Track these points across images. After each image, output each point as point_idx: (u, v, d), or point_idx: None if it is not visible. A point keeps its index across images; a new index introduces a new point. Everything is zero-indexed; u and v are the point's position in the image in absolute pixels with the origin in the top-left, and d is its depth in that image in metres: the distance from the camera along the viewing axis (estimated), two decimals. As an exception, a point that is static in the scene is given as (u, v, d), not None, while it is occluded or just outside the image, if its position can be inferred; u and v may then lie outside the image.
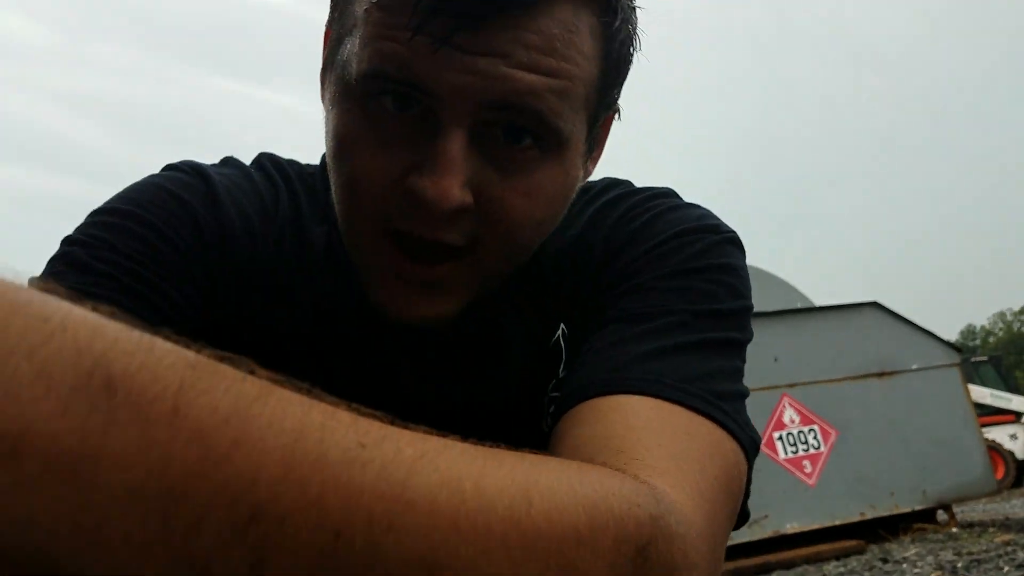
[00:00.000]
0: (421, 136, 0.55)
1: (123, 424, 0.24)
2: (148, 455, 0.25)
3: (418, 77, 0.53)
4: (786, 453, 4.49)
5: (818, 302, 5.33)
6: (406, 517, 0.30)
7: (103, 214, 0.63)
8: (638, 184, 0.77)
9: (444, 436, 0.35)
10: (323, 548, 0.27)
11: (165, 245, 0.62)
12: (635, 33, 0.62)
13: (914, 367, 5.04)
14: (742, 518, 0.65)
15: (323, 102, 0.63)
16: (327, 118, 0.61)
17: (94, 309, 0.27)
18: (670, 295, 0.62)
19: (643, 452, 0.48)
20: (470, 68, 0.53)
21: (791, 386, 4.62)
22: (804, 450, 4.55)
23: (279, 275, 0.68)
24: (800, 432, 4.57)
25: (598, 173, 0.72)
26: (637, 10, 0.62)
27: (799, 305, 5.14)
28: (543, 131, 0.56)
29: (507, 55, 0.53)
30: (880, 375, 4.90)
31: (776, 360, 4.59)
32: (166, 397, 0.26)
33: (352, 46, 0.56)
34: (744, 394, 0.61)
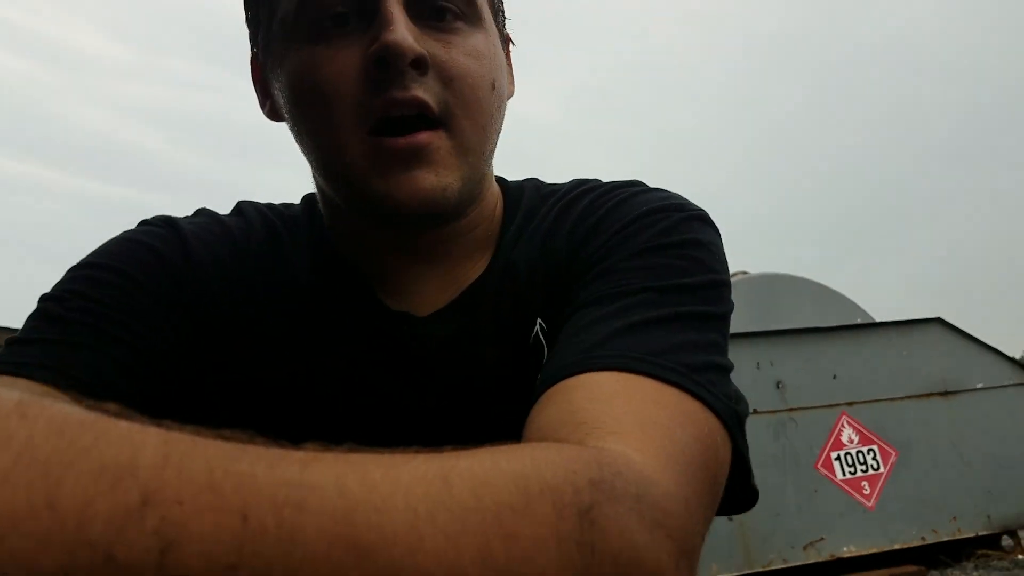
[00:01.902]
0: (366, 30, 0.62)
1: None
2: (10, 444, 0.26)
3: None
4: (844, 474, 4.37)
5: (879, 318, 5.19)
6: (314, 499, 0.30)
7: (77, 269, 0.66)
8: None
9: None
10: (235, 531, 0.27)
11: (139, 292, 0.66)
12: None
13: (979, 386, 4.86)
14: (750, 498, 0.66)
15: (270, 91, 0.71)
16: (279, 85, 0.67)
17: None
18: (637, 273, 0.63)
19: (605, 420, 0.48)
20: None
21: (850, 404, 4.50)
22: (863, 471, 4.43)
23: (261, 308, 0.71)
24: (859, 452, 4.45)
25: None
26: None
27: (859, 321, 5.02)
28: (460, 4, 0.65)
29: None
30: (944, 394, 4.74)
31: (835, 378, 4.48)
32: (7, 406, 0.27)
33: (284, 3, 0.64)
34: (724, 367, 0.60)
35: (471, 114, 0.64)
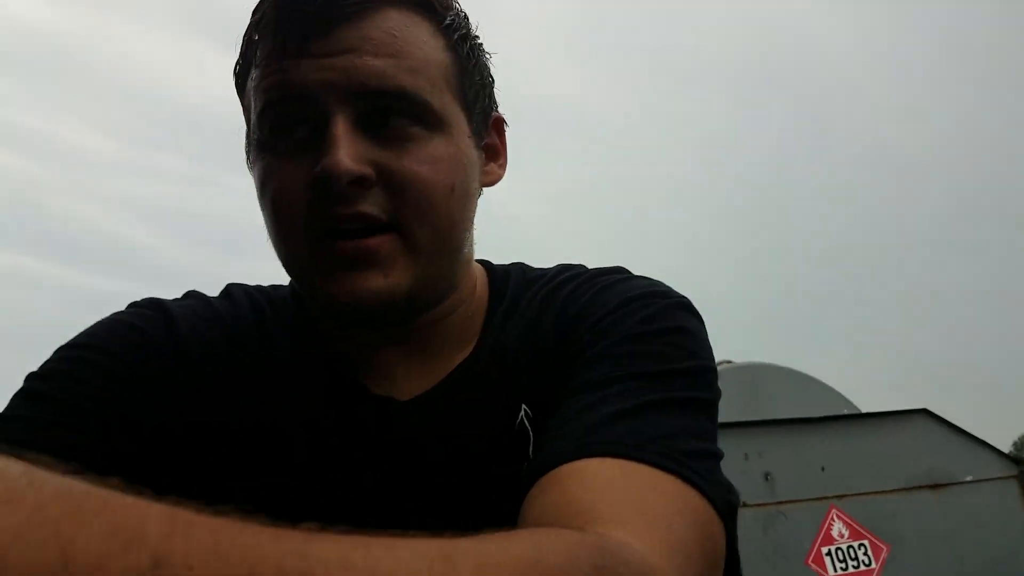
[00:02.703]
0: (318, 144, 0.63)
1: None
2: (16, 506, 0.25)
3: (293, 88, 0.63)
4: (835, 570, 4.26)
5: (864, 408, 5.17)
6: (320, 572, 0.29)
7: (64, 349, 0.67)
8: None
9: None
10: None
11: (124, 372, 0.66)
12: (475, 35, 0.73)
13: (968, 479, 4.82)
14: None
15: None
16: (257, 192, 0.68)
17: None
18: (624, 360, 0.63)
19: (603, 509, 0.48)
20: (329, 67, 0.63)
21: (839, 497, 4.42)
22: (855, 567, 4.31)
23: (245, 389, 0.71)
24: (850, 547, 4.35)
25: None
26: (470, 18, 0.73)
27: (845, 411, 5.00)
28: (415, 107, 0.65)
29: (355, 49, 0.63)
30: (933, 487, 4.70)
31: (823, 469, 4.42)
32: (19, 478, 0.27)
33: (251, 109, 0.67)
34: (715, 454, 0.60)
35: (424, 218, 0.65)
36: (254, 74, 0.66)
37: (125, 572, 0.25)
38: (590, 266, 0.80)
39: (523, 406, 0.71)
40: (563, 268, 0.79)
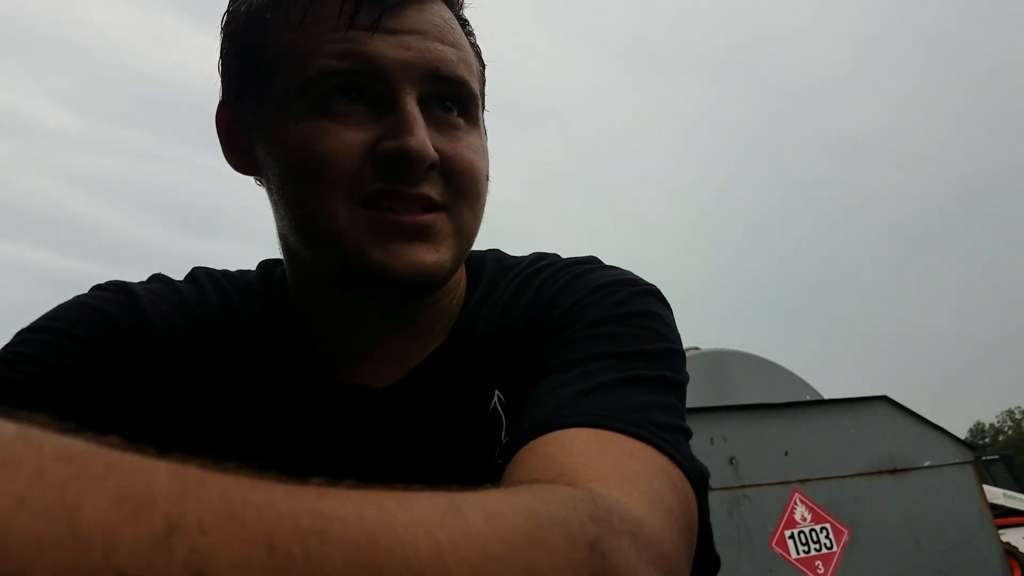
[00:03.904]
0: (377, 116, 0.64)
1: None
2: (17, 469, 0.23)
3: (366, 61, 0.63)
4: (798, 552, 4.32)
5: (827, 396, 5.25)
6: (336, 528, 0.29)
7: (27, 332, 0.66)
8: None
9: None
10: (263, 562, 0.26)
11: (88, 355, 0.65)
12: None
13: (926, 464, 4.91)
14: (712, 565, 0.67)
15: (246, 147, 0.71)
16: (268, 148, 0.67)
17: None
18: (597, 341, 0.65)
19: (584, 471, 0.48)
20: (404, 44, 0.64)
21: (802, 482, 4.49)
22: (816, 549, 4.39)
23: (212, 376, 0.70)
24: (812, 530, 4.41)
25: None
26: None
27: (808, 398, 5.06)
28: (466, 98, 0.68)
29: (424, 32, 0.65)
30: (893, 472, 4.78)
31: (787, 454, 4.48)
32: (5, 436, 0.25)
33: (290, 66, 0.65)
34: (685, 431, 0.62)
35: (470, 202, 0.68)
36: (299, 36, 0.65)
37: (139, 540, 0.24)
38: (564, 256, 0.81)
39: (496, 392, 0.73)
40: (538, 257, 0.80)
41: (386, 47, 0.63)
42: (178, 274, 0.79)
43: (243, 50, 0.69)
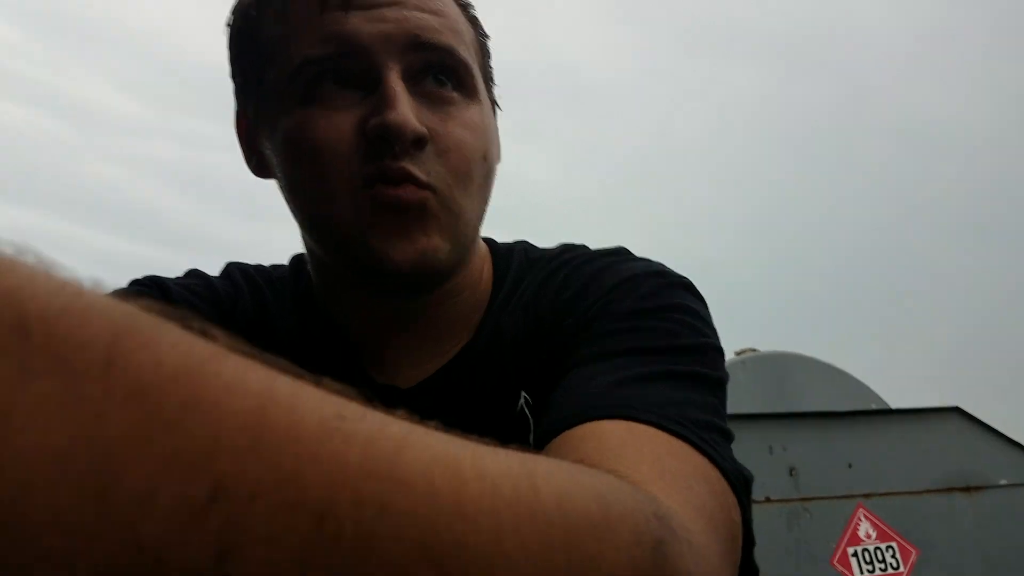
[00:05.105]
0: (365, 94, 0.64)
1: (41, 373, 0.20)
2: (76, 413, 0.20)
3: (345, 42, 0.63)
4: (862, 572, 4.14)
5: (893, 404, 5.02)
6: (399, 498, 0.26)
7: None
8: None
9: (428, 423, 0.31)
10: (306, 534, 0.23)
11: None
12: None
13: (1003, 482, 4.68)
14: (751, 573, 0.64)
15: (258, 148, 0.72)
16: (270, 145, 0.68)
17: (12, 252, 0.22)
18: (626, 336, 0.63)
19: (624, 467, 0.45)
20: (380, 17, 0.63)
21: (867, 496, 4.29)
22: (882, 569, 4.20)
23: None
24: (877, 549, 4.23)
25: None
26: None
27: (873, 406, 4.85)
28: (458, 67, 0.67)
29: (401, 3, 0.64)
30: (966, 489, 4.56)
31: (850, 466, 4.29)
32: (96, 346, 0.21)
33: (277, 59, 0.65)
34: (725, 432, 0.59)
35: (461, 183, 0.66)
36: (281, 27, 0.65)
37: (175, 507, 0.21)
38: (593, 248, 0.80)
39: (523, 392, 0.72)
40: (564, 249, 0.80)
41: (361, 23, 0.63)
42: (245, 259, 0.81)
43: (240, 52, 0.71)
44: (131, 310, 0.23)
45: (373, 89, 0.63)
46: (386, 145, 0.62)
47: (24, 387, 0.19)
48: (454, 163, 0.66)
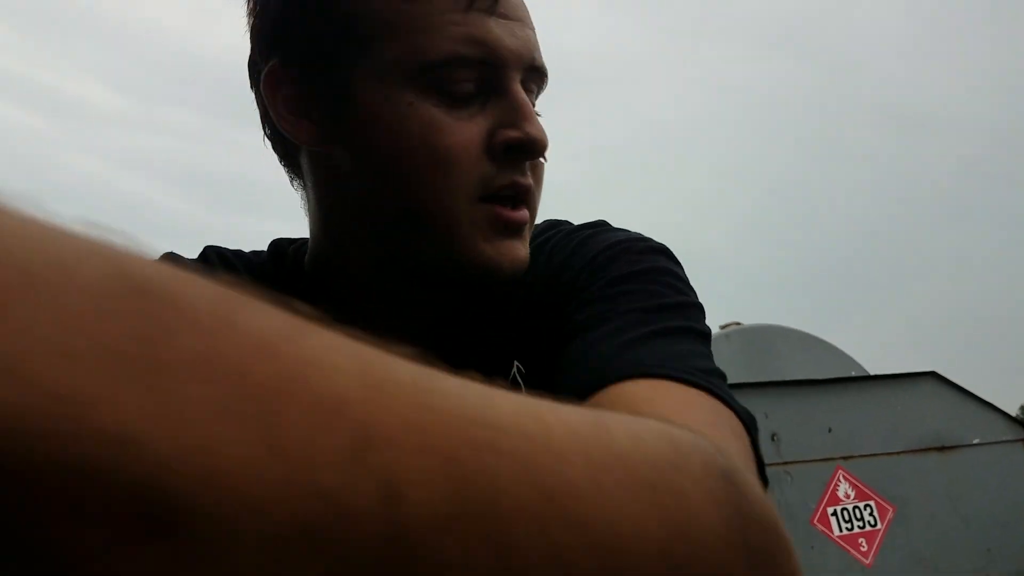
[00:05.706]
0: (484, 103, 0.64)
1: (176, 331, 0.20)
2: (220, 366, 0.20)
3: (492, 51, 0.62)
4: (840, 530, 4.27)
5: (872, 371, 5.14)
6: (504, 441, 0.27)
7: None
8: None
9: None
10: (449, 475, 0.24)
11: None
12: None
13: (976, 441, 4.80)
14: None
15: (313, 115, 0.67)
16: (364, 120, 0.64)
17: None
18: (618, 299, 0.65)
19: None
20: (513, 31, 0.64)
21: (846, 459, 4.42)
22: (860, 527, 4.32)
23: None
24: (855, 508, 4.35)
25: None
26: None
27: (853, 373, 4.97)
28: (543, 87, 0.69)
29: (522, 19, 0.65)
30: (940, 449, 4.68)
31: (830, 431, 4.42)
32: (216, 311, 0.21)
33: (401, 39, 0.62)
34: (725, 377, 0.61)
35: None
36: (414, 5, 0.62)
37: (336, 453, 0.22)
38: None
39: (515, 362, 0.73)
40: (549, 224, 0.80)
41: (503, 33, 0.63)
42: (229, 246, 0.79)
43: (328, 8, 0.65)
44: (236, 287, 0.23)
45: (494, 99, 0.64)
46: (522, 156, 0.64)
47: (169, 342, 0.19)
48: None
